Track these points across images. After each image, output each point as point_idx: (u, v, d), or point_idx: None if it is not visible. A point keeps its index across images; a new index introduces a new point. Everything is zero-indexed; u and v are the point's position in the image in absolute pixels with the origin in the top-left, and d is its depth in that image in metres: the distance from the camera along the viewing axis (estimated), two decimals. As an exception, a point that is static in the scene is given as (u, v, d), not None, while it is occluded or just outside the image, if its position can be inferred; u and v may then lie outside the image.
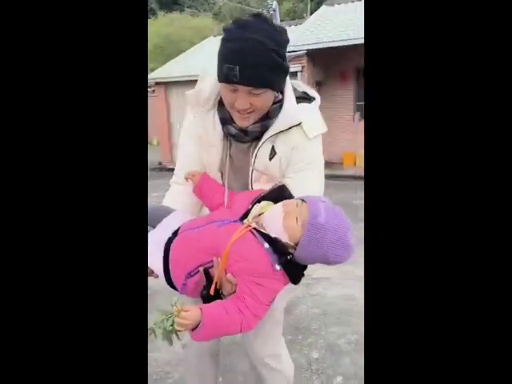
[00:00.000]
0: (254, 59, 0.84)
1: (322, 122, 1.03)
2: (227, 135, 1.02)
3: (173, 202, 1.09)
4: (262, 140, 0.99)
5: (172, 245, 0.94)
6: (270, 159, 1.00)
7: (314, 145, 1.01)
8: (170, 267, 0.93)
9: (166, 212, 1.03)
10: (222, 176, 1.07)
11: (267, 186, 0.97)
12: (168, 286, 0.97)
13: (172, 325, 0.77)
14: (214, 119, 1.02)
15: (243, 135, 1.00)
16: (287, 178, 1.02)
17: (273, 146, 0.99)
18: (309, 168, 1.02)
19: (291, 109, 0.98)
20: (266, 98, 0.92)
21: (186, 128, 1.10)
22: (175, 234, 0.95)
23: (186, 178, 1.07)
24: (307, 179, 1.01)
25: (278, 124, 0.97)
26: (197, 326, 0.79)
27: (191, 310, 0.79)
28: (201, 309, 0.80)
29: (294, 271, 0.86)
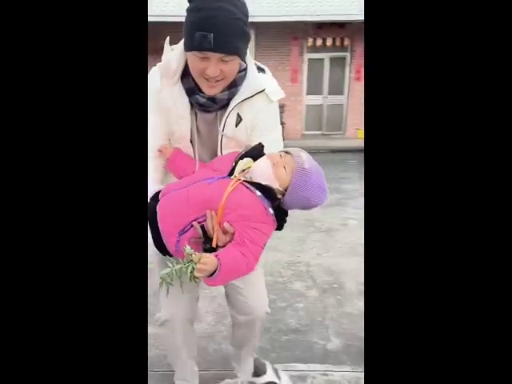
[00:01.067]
0: (226, 27, 0.88)
1: (279, 88, 1.09)
2: (193, 106, 1.05)
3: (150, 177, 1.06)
4: (230, 107, 1.03)
5: (158, 206, 0.97)
6: (236, 125, 1.06)
7: (274, 109, 1.09)
8: (161, 227, 0.95)
9: None
10: (192, 146, 1.10)
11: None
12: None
13: (192, 272, 0.83)
14: (180, 91, 1.03)
15: (212, 103, 1.03)
16: (254, 141, 1.06)
17: (238, 113, 1.05)
18: (272, 130, 1.10)
19: (255, 76, 1.04)
20: (234, 65, 0.96)
21: (149, 102, 1.06)
22: (155, 198, 0.99)
23: (160, 151, 1.09)
24: (271, 141, 1.07)
25: (244, 91, 1.03)
26: (213, 273, 0.86)
27: (209, 257, 0.86)
28: (216, 255, 0.88)
29: (282, 216, 0.97)
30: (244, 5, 0.93)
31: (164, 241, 0.96)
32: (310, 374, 1.61)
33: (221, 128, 1.05)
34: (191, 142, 1.09)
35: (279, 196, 0.95)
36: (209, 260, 0.85)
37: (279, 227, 0.97)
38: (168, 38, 1.03)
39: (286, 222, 0.98)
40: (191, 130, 1.08)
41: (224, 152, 1.08)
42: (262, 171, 0.95)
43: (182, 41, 0.98)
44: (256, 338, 1.38)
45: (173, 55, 1.01)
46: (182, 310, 1.21)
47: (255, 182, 0.94)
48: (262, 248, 0.95)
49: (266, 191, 0.93)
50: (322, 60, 8.73)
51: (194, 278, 0.84)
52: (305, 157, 0.97)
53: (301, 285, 2.40)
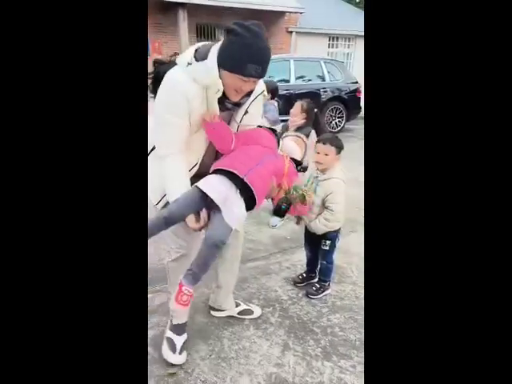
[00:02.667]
0: (267, 61, 1.29)
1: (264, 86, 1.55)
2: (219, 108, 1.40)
3: (183, 170, 1.40)
4: (246, 106, 1.48)
5: (251, 181, 1.35)
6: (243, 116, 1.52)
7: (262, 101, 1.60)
8: (257, 195, 1.37)
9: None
10: None
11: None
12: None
13: (304, 198, 1.55)
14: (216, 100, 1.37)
15: (236, 107, 1.45)
16: (252, 125, 1.57)
17: (246, 109, 1.49)
18: (260, 116, 1.62)
19: (260, 83, 1.46)
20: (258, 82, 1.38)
21: (177, 107, 1.32)
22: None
23: (211, 119, 1.39)
24: (260, 122, 1.62)
25: (254, 94, 1.46)
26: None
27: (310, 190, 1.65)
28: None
29: None
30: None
31: (257, 202, 1.41)
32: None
33: (238, 120, 1.51)
34: None
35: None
36: (311, 194, 1.66)
37: None
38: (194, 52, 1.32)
39: None
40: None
41: None
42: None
43: (215, 60, 1.28)
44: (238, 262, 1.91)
45: (215, 72, 1.28)
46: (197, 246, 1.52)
47: (292, 158, 1.60)
48: None
49: (297, 163, 1.63)
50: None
51: (304, 201, 1.55)
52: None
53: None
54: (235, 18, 9.79)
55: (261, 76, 1.30)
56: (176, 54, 1.42)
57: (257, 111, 1.55)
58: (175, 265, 1.60)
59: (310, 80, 7.55)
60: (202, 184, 1.34)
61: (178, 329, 1.68)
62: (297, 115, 2.97)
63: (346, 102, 7.71)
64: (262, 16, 9.44)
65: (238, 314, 1.97)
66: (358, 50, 10.53)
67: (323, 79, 7.63)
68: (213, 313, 1.99)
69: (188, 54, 1.34)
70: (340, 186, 1.96)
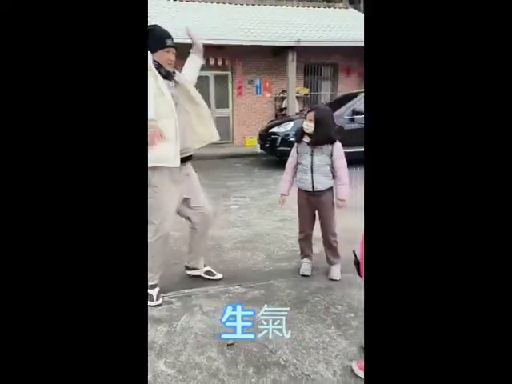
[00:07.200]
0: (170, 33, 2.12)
1: None
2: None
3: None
4: (181, 71, 2.29)
5: None
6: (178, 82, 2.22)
7: None
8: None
9: None
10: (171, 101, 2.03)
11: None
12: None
13: None
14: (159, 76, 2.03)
15: (171, 75, 2.12)
16: (191, 80, 2.34)
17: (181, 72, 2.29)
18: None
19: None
20: None
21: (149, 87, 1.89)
22: None
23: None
24: None
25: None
26: None
27: None
28: None
29: None
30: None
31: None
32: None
33: (181, 82, 2.17)
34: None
35: None
36: None
37: None
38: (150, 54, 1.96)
39: None
40: (172, 93, 2.05)
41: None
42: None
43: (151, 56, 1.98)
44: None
45: (150, 61, 1.94)
46: (170, 229, 2.22)
47: None
48: None
49: None
50: (207, 77, 9.75)
51: None
52: None
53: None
54: (342, 56, 10.28)
55: (175, 45, 2.08)
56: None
57: (187, 71, 2.31)
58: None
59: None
60: None
61: (151, 287, 2.21)
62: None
63: None
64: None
65: (205, 273, 2.53)
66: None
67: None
68: (188, 272, 2.56)
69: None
70: None
